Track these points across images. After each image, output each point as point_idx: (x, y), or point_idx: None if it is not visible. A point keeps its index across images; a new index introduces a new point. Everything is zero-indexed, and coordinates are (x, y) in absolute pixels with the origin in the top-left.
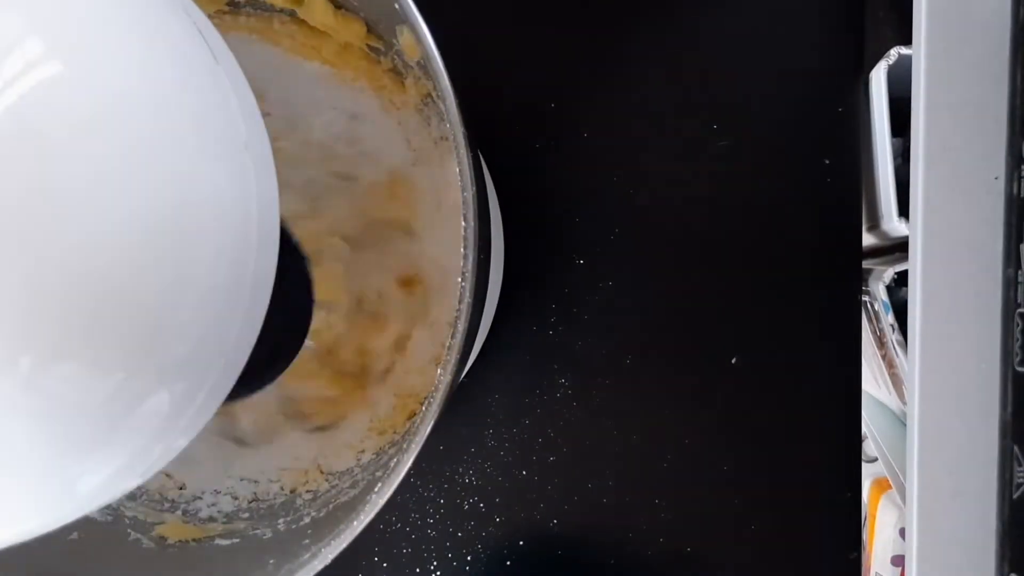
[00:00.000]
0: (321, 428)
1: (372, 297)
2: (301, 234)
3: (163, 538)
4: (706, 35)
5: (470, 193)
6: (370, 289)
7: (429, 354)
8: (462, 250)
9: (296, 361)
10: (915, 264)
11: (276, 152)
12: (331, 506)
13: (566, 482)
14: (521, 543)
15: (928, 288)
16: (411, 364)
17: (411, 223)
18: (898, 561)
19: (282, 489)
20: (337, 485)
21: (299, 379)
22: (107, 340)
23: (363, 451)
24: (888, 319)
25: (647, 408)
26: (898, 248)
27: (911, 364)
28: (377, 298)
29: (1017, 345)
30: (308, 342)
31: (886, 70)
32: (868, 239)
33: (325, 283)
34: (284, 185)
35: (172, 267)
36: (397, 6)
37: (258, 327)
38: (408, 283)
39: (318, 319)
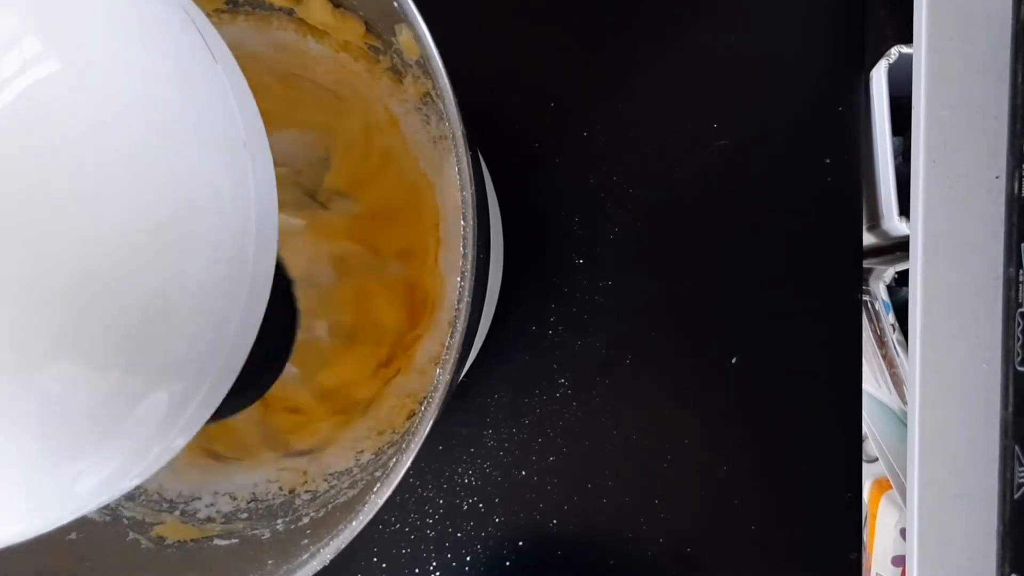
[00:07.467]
0: (302, 453)
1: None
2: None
3: (161, 538)
4: (706, 34)
5: (469, 193)
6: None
7: (429, 354)
8: (462, 250)
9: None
10: (916, 263)
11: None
12: (330, 506)
13: (566, 482)
14: (521, 543)
15: (929, 287)
16: (411, 364)
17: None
18: (899, 561)
19: (280, 489)
20: (336, 485)
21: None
22: (105, 339)
23: (362, 451)
24: (889, 319)
25: (647, 408)
26: (899, 247)
27: (912, 364)
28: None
29: (1018, 344)
30: (292, 368)
31: (887, 69)
32: (868, 238)
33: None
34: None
35: (170, 266)
36: (396, 5)
37: (256, 326)
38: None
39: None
